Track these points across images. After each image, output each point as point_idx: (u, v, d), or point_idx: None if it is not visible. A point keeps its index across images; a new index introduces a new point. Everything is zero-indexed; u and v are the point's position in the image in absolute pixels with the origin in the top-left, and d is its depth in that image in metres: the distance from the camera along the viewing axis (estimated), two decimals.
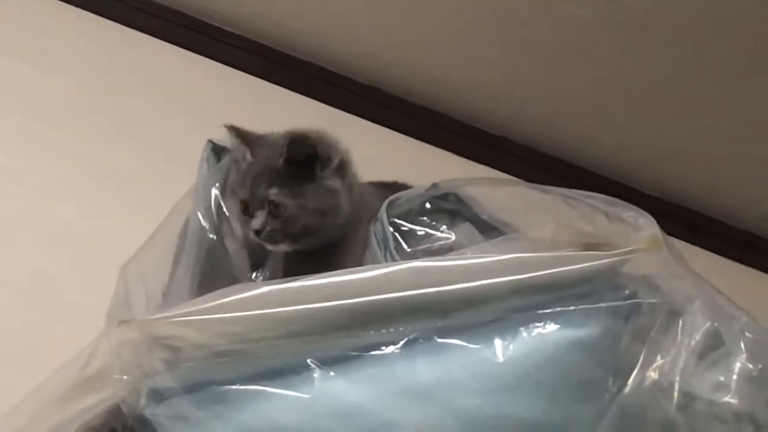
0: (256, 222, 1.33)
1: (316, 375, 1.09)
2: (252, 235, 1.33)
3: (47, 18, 2.52)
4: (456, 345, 1.09)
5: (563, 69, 2.45)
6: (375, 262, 1.33)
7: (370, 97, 2.59)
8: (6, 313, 1.94)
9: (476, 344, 1.08)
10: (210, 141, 1.46)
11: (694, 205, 2.57)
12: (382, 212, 1.37)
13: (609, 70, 2.41)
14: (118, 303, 1.32)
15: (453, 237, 1.33)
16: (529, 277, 1.09)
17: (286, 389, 1.09)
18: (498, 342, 1.08)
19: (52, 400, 1.19)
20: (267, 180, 1.35)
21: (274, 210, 1.34)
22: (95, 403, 1.18)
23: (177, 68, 2.51)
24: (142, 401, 1.14)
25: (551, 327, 1.09)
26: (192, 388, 1.12)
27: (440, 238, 1.34)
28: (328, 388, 1.09)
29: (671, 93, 2.40)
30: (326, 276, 1.13)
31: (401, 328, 1.10)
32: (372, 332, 1.10)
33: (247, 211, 1.36)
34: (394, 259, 1.32)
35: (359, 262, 1.34)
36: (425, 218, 1.36)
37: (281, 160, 1.34)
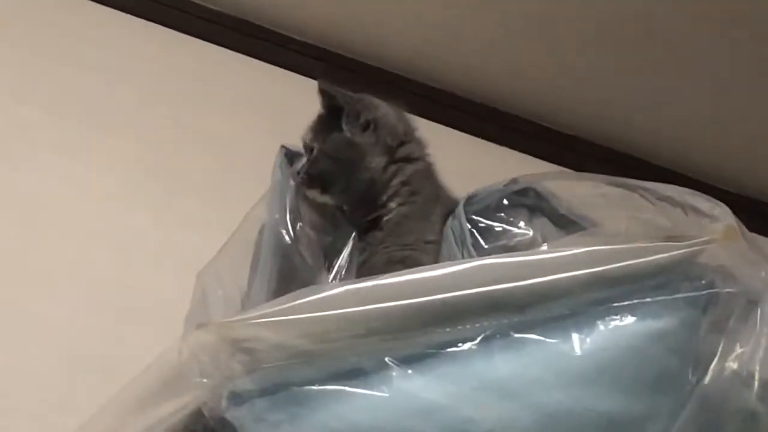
0: (301, 167, 1.45)
1: (394, 374, 1.09)
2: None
3: (114, 29, 2.57)
4: (533, 340, 1.08)
5: (632, 66, 2.44)
6: (452, 258, 1.33)
7: (441, 100, 2.61)
8: (83, 321, 1.97)
9: (553, 338, 1.08)
10: (283, 147, 1.49)
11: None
12: (460, 209, 1.37)
13: (680, 62, 2.40)
14: (196, 308, 1.34)
15: (530, 233, 1.34)
16: (604, 270, 1.08)
17: (365, 389, 1.10)
18: (575, 336, 1.07)
19: (133, 406, 1.21)
20: (311, 128, 1.47)
21: (309, 154, 1.45)
22: (177, 408, 1.20)
23: (248, 77, 2.54)
24: (223, 404, 1.14)
25: (628, 319, 1.08)
26: (271, 390, 1.13)
27: (517, 234, 1.34)
28: (407, 387, 1.09)
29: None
30: (402, 274, 1.13)
31: (477, 325, 1.09)
32: (449, 329, 1.09)
33: None
34: (471, 256, 1.32)
35: (433, 256, 1.36)
36: (503, 214, 1.36)
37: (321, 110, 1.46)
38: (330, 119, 1.45)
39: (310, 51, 2.63)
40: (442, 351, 1.09)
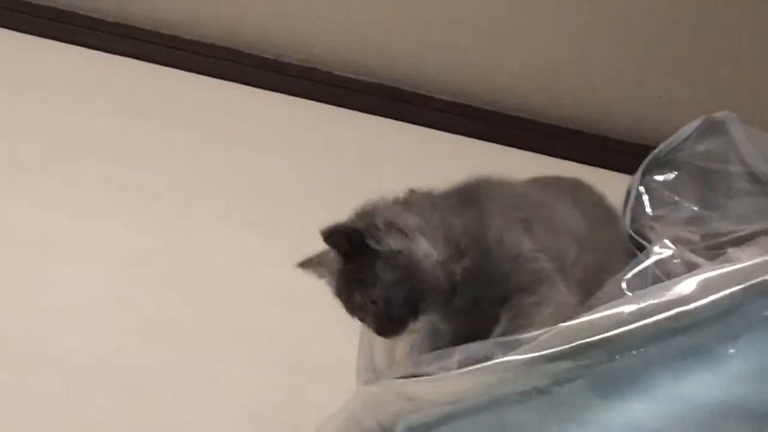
0: (373, 328, 1.31)
1: (554, 396, 1.13)
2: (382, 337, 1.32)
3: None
4: (688, 346, 1.10)
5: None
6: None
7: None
8: (261, 379, 2.08)
9: (707, 342, 1.09)
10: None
11: None
12: (641, 168, 1.43)
13: None
14: (363, 357, 1.42)
15: (696, 209, 1.40)
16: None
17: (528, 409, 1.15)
18: (728, 337, 1.09)
19: None
20: (346, 289, 1.32)
21: (372, 307, 1.30)
22: None
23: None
24: None
25: None
26: (443, 421, 1.19)
27: (684, 209, 1.40)
28: (576, 410, 1.12)
29: None
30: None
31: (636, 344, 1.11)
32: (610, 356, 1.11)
33: (363, 320, 1.34)
34: (627, 219, 1.42)
35: None
36: (677, 182, 1.43)
37: (341, 262, 1.32)
38: (356, 259, 1.30)
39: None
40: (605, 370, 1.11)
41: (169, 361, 2.26)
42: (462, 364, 1.17)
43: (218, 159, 2.63)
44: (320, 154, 2.67)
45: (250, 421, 2.13)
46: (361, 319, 1.33)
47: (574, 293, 1.28)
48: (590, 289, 1.30)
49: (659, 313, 1.08)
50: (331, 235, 1.29)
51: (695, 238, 1.37)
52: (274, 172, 2.60)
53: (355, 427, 1.29)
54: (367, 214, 1.32)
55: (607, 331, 1.08)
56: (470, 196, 1.37)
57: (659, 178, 1.47)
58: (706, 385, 1.09)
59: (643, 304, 1.09)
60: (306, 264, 1.39)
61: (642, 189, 1.46)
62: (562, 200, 1.43)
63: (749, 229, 1.36)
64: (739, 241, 1.34)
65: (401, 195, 1.37)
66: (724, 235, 1.36)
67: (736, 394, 1.09)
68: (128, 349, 2.29)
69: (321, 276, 1.38)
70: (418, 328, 1.32)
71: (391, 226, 1.30)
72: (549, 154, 2.74)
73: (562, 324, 1.13)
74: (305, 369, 2.16)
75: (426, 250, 1.29)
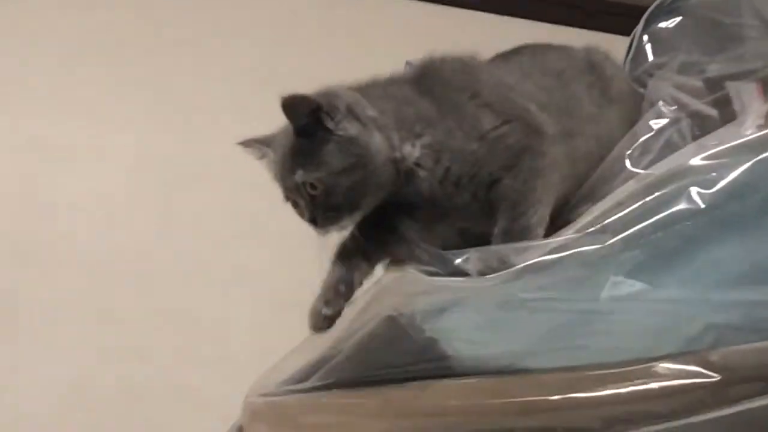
0: (306, 215, 1.28)
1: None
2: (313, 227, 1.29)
3: None
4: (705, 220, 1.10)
5: None
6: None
7: None
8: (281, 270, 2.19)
9: (723, 214, 1.09)
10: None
11: None
12: (645, 16, 1.42)
13: None
14: None
15: (699, 55, 1.38)
16: None
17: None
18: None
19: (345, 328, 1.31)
20: (288, 166, 1.28)
21: (311, 191, 1.26)
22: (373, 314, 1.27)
23: None
24: (418, 318, 1.21)
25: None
26: (457, 302, 1.20)
27: (688, 56, 1.39)
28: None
29: None
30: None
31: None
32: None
33: (296, 205, 1.31)
34: (627, 69, 1.41)
35: None
36: (687, 26, 1.42)
37: (291, 136, 1.28)
38: (307, 138, 1.27)
39: None
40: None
41: (185, 251, 2.32)
42: (481, 273, 1.17)
43: (224, 52, 2.63)
44: (337, 41, 2.71)
45: (270, 305, 2.19)
46: (295, 204, 1.31)
47: (558, 140, 1.30)
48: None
49: (671, 201, 1.09)
50: (292, 104, 1.24)
51: (698, 84, 1.34)
52: (281, 61, 2.60)
53: (377, 304, 1.29)
54: (330, 95, 1.28)
55: (622, 232, 1.10)
56: (424, 85, 1.35)
57: (663, 24, 1.44)
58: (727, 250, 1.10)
59: (652, 196, 1.11)
60: (249, 143, 1.36)
61: (645, 37, 1.43)
62: (519, 65, 1.42)
63: (750, 67, 1.34)
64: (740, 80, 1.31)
65: (358, 83, 1.35)
66: (727, 78, 1.33)
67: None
68: (144, 242, 2.35)
69: (262, 157, 1.36)
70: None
71: (351, 112, 1.27)
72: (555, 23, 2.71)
73: (577, 233, 1.15)
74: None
75: (378, 145, 1.27)
